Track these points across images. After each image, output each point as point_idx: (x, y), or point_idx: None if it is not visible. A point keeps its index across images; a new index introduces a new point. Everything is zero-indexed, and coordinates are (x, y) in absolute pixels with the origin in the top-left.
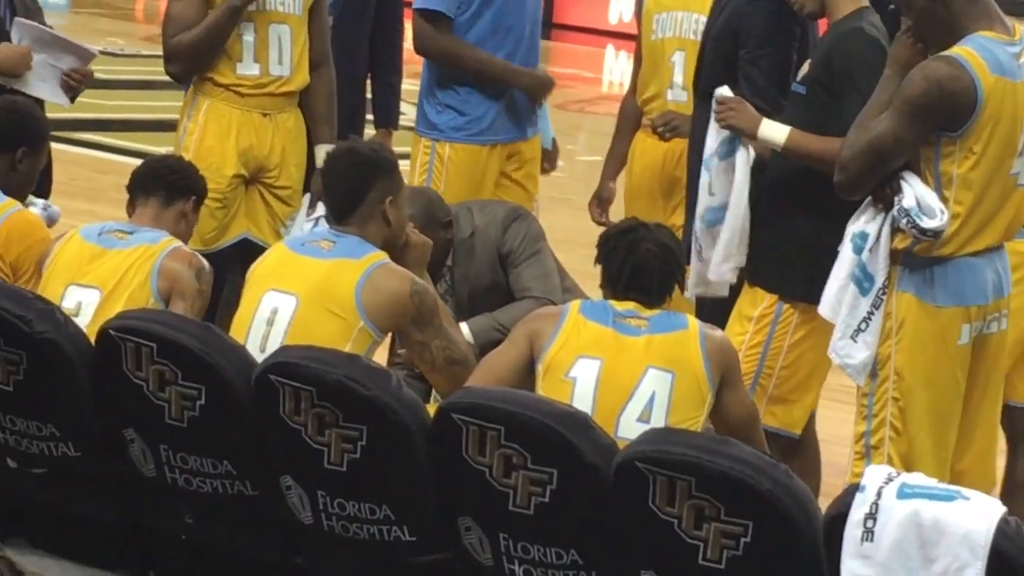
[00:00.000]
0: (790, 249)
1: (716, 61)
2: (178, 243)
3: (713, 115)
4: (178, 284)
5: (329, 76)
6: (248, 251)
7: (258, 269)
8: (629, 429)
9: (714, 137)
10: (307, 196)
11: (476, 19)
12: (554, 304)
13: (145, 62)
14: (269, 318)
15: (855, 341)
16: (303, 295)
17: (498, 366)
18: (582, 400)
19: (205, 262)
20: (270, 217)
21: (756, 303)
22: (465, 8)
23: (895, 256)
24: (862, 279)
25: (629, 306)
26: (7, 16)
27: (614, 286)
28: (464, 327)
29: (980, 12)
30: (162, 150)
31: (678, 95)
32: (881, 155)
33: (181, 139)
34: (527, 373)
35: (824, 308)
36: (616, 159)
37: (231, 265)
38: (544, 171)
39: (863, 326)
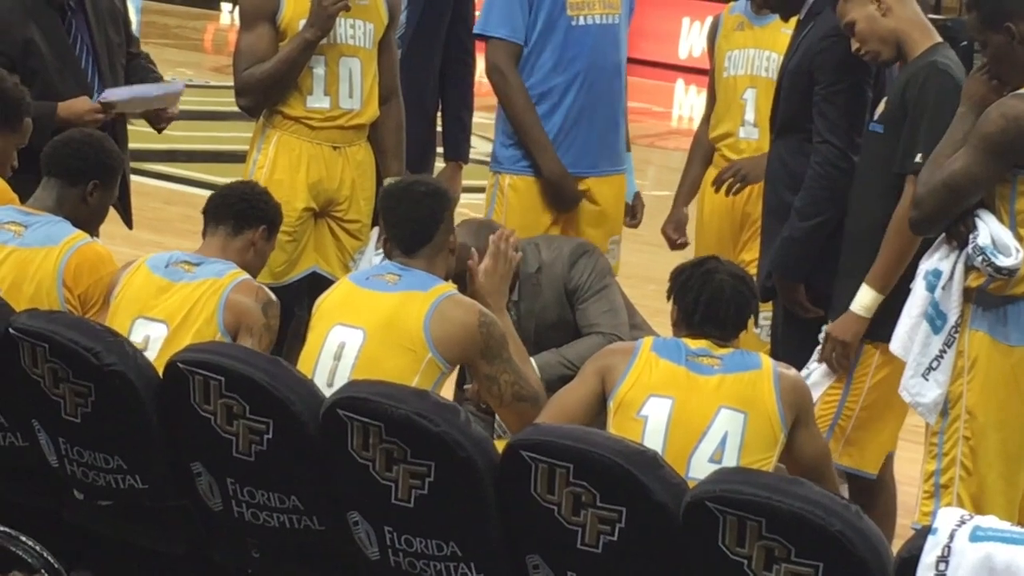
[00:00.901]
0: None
1: (792, 98)
2: (244, 276)
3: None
4: (245, 319)
5: (398, 109)
6: (316, 285)
7: (325, 303)
8: (700, 469)
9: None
10: (375, 230)
11: (536, 49)
12: (621, 340)
13: (213, 93)
14: (336, 352)
15: (926, 379)
16: (370, 329)
17: (568, 403)
18: (653, 439)
19: (272, 295)
20: (339, 251)
21: None
22: (527, 37)
23: (968, 294)
24: (935, 317)
25: (702, 344)
26: (89, 60)
27: (689, 319)
28: (531, 363)
29: None
30: (227, 181)
31: (750, 132)
32: (956, 192)
33: (251, 171)
34: (598, 410)
35: (896, 345)
36: (689, 185)
37: (300, 299)
38: (628, 224)
39: (935, 364)
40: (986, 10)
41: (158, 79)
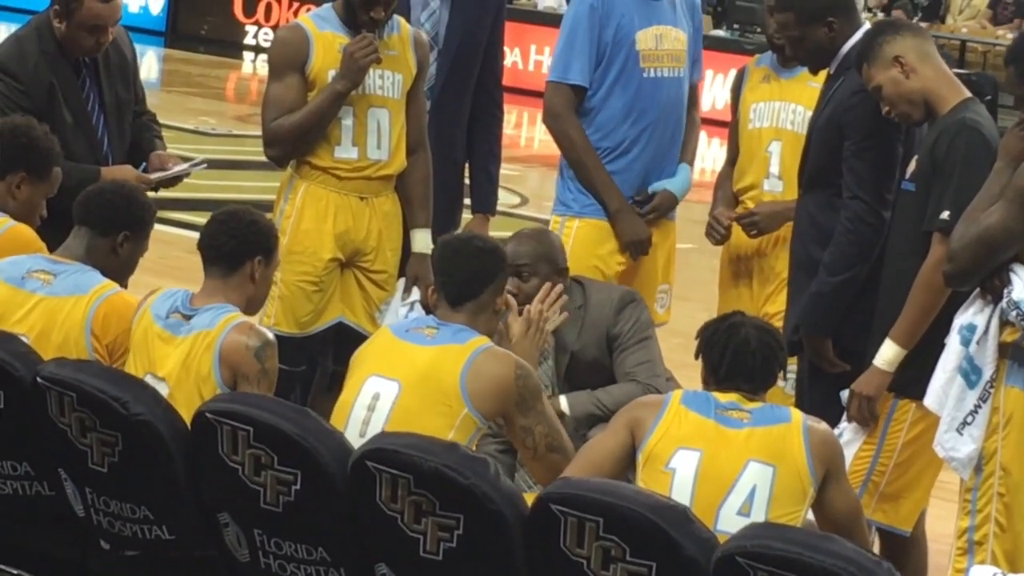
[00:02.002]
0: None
1: (821, 152)
2: (236, 320)
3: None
4: (240, 369)
5: (426, 160)
6: (343, 335)
7: (362, 353)
8: (729, 522)
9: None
10: (402, 280)
11: (607, 99)
12: (657, 391)
13: (236, 141)
14: (370, 404)
15: (961, 434)
16: (406, 381)
17: (597, 455)
18: (681, 492)
19: (269, 335)
20: (365, 302)
21: None
22: (596, 87)
23: (1003, 350)
24: (969, 372)
25: (732, 398)
26: (99, 115)
27: (716, 373)
28: (562, 399)
29: None
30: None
31: (774, 185)
32: (991, 246)
33: (278, 221)
34: (627, 463)
35: (930, 400)
36: (723, 197)
37: (325, 349)
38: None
39: (969, 419)
40: (1023, 66)
41: (160, 138)
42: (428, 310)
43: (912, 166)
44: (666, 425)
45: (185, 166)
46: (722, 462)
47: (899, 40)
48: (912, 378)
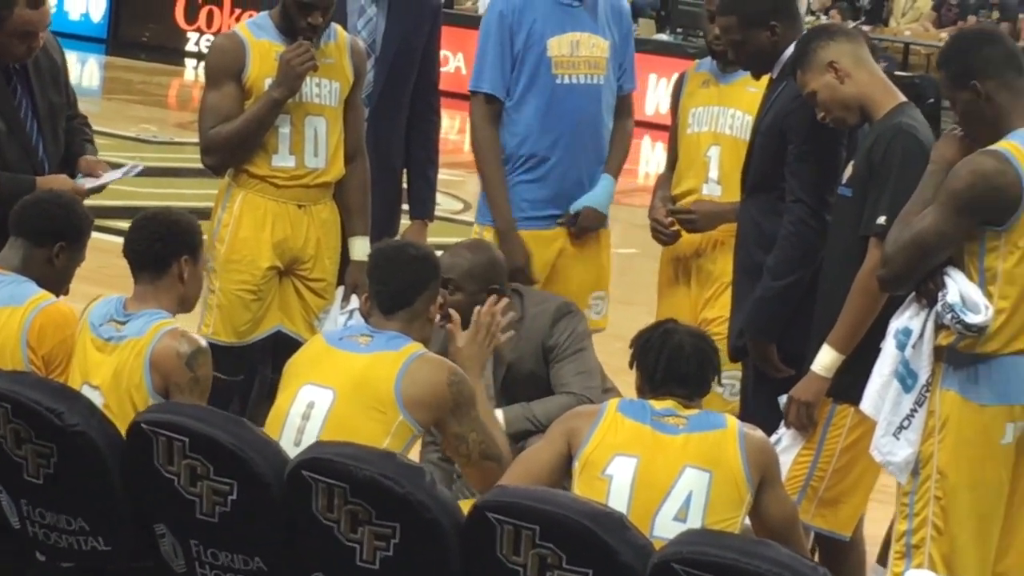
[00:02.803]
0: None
1: (764, 157)
2: (166, 328)
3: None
4: (171, 377)
5: (364, 168)
6: (281, 344)
7: (295, 362)
8: (665, 528)
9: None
10: (340, 289)
11: (521, 107)
12: (591, 402)
13: (178, 149)
14: (305, 412)
15: (897, 438)
16: (340, 389)
17: (534, 464)
18: (618, 498)
19: (201, 342)
20: (303, 310)
21: None
22: (512, 95)
23: (939, 353)
24: (905, 376)
25: (667, 404)
26: (32, 121)
27: (651, 380)
28: (498, 414)
29: None
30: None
31: (713, 189)
32: (924, 250)
33: (216, 230)
34: (564, 471)
35: (866, 405)
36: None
37: (264, 358)
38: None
39: (906, 423)
40: (953, 69)
41: (91, 142)
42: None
43: (848, 171)
44: (602, 433)
45: (117, 173)
46: (658, 468)
47: (833, 45)
48: (850, 383)
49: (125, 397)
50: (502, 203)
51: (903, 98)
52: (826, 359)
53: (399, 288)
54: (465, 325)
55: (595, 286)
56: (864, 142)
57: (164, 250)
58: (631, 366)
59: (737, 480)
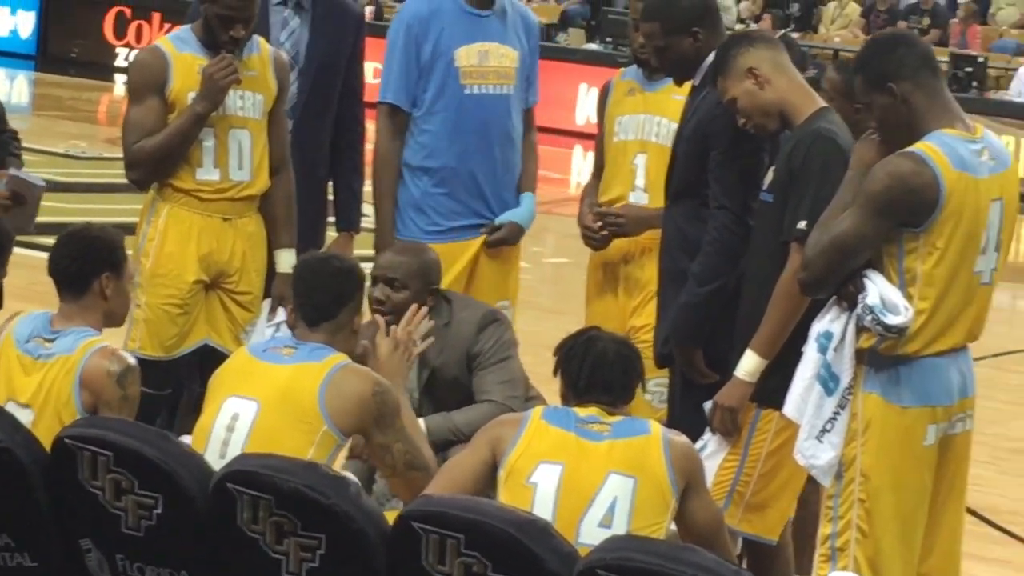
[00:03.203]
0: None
1: (688, 163)
2: (96, 346)
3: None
4: (101, 395)
5: (288, 180)
6: (209, 358)
7: (219, 375)
8: (591, 535)
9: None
10: (267, 302)
11: (430, 118)
12: (513, 411)
13: (107, 164)
14: (229, 424)
15: (820, 442)
16: (265, 401)
17: (458, 473)
18: (543, 505)
19: (131, 360)
20: (230, 323)
21: None
22: (420, 106)
23: (860, 356)
24: (827, 379)
25: (592, 411)
26: None
27: (575, 386)
28: (420, 422)
29: (941, 110)
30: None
31: (640, 197)
32: (843, 252)
33: (141, 244)
34: (489, 480)
35: (789, 409)
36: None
37: (191, 372)
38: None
39: (828, 426)
40: (869, 72)
41: (17, 157)
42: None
43: (769, 176)
44: (527, 440)
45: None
46: (583, 475)
47: (752, 52)
48: (774, 388)
49: (54, 415)
50: (388, 219)
51: (823, 103)
52: (749, 364)
53: (323, 300)
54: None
55: (502, 295)
56: (784, 148)
57: (84, 268)
58: (555, 374)
59: (662, 485)
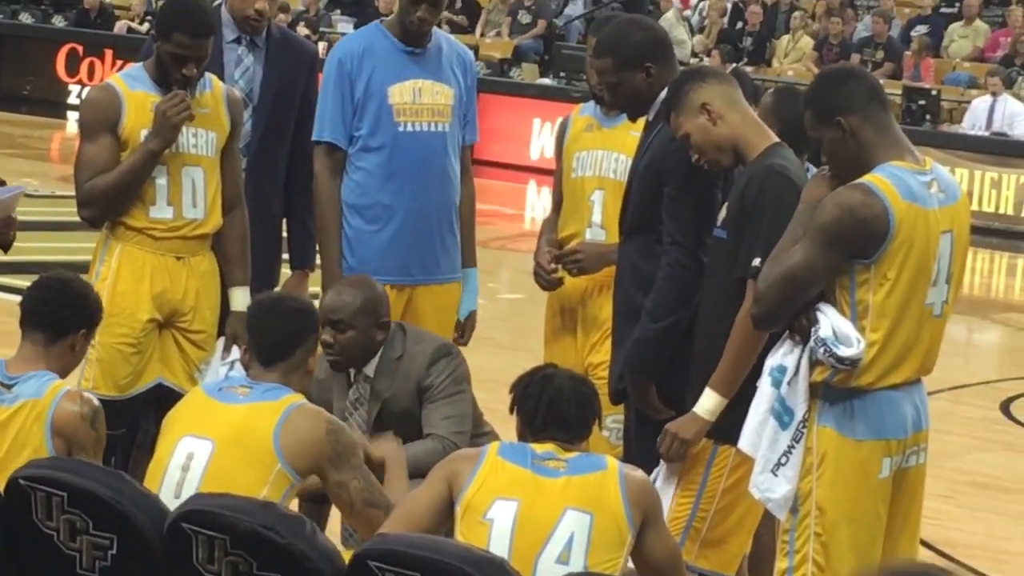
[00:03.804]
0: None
1: (642, 198)
2: (64, 388)
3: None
4: (76, 438)
5: (242, 218)
6: (162, 396)
7: (174, 415)
8: (548, 571)
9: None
10: (221, 340)
11: (364, 156)
12: (457, 448)
13: (60, 203)
14: (184, 464)
15: (776, 475)
16: (219, 440)
17: (415, 509)
18: (499, 542)
19: (95, 401)
20: (184, 361)
21: None
22: (354, 144)
23: (814, 389)
24: (782, 413)
25: (548, 448)
26: None
27: (531, 423)
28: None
29: (890, 144)
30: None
31: (597, 234)
32: (795, 285)
33: (93, 283)
34: (446, 515)
35: (744, 443)
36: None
37: (145, 411)
38: (457, 341)
39: (783, 460)
40: (818, 107)
41: None
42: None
43: (723, 213)
44: (483, 476)
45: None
46: (539, 511)
47: (705, 87)
48: (731, 425)
49: (22, 460)
50: (334, 258)
51: (775, 139)
52: (709, 403)
53: (277, 340)
54: (356, 358)
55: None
56: (737, 183)
57: (68, 320)
58: (511, 411)
59: (618, 521)
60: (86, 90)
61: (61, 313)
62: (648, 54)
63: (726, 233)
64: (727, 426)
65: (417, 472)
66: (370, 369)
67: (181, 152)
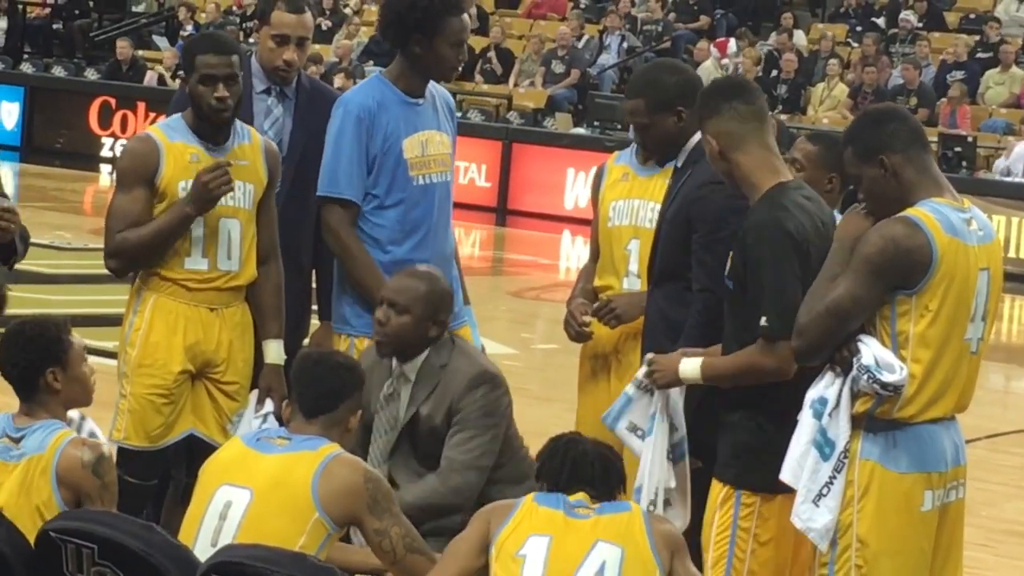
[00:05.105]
0: (746, 442)
1: (670, 246)
2: (68, 436)
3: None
4: (80, 488)
5: (277, 270)
6: (195, 447)
7: (211, 464)
8: None
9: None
10: (255, 393)
11: (382, 212)
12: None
13: (93, 255)
14: (222, 512)
15: (817, 505)
16: (258, 489)
17: (461, 550)
18: (532, 573)
19: (104, 448)
20: (216, 413)
21: (715, 494)
22: (370, 200)
23: (857, 421)
24: (823, 444)
25: (579, 497)
26: None
27: (557, 481)
28: None
29: (930, 184)
30: (109, 346)
31: (633, 283)
32: (839, 317)
33: (127, 334)
34: (486, 554)
35: (786, 474)
36: (581, 291)
37: (178, 462)
38: None
39: (825, 491)
40: (861, 145)
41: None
42: (282, 422)
43: (729, 262)
44: (518, 520)
45: None
46: (571, 544)
47: (714, 121)
48: (745, 470)
49: (35, 515)
50: (378, 280)
51: (783, 177)
52: (688, 369)
53: (322, 392)
54: (403, 349)
55: None
56: (738, 234)
57: (27, 370)
58: (536, 479)
59: (645, 558)
60: (119, 143)
61: (15, 370)
62: (680, 98)
63: (732, 284)
64: (750, 473)
65: (430, 513)
66: (410, 369)
67: (219, 204)
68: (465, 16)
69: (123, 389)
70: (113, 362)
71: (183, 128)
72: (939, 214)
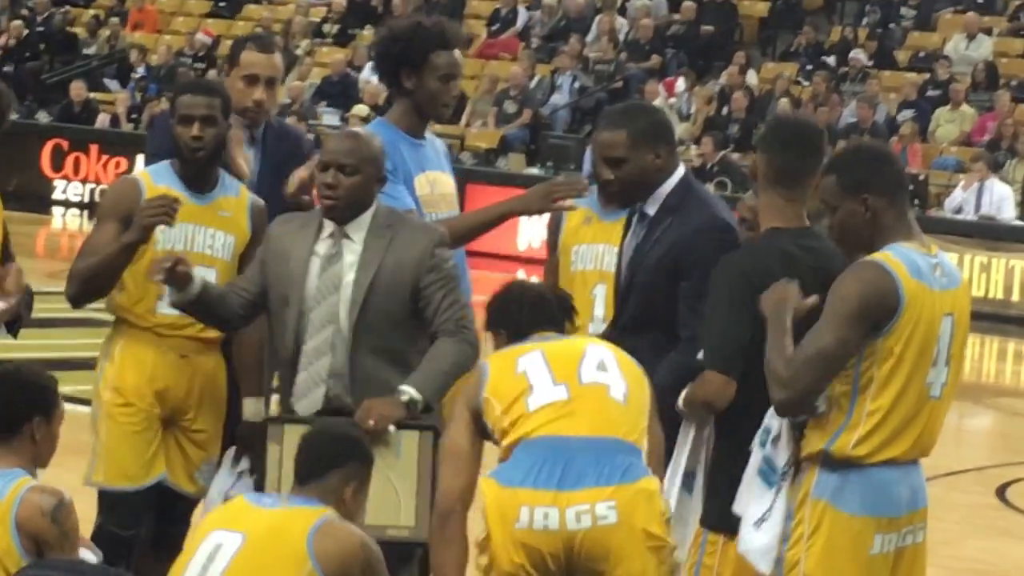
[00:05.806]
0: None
1: (653, 295)
2: (27, 485)
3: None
4: (40, 536)
5: (258, 326)
6: (163, 495)
7: (209, 516)
8: (590, 377)
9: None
10: (231, 451)
11: None
12: (475, 342)
13: (47, 299)
14: (211, 553)
15: (758, 528)
16: (250, 534)
17: (460, 451)
18: (538, 373)
19: (63, 495)
20: (184, 462)
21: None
22: None
23: (812, 458)
24: (768, 472)
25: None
26: None
27: (519, 325)
28: (408, 389)
29: (903, 229)
30: (67, 389)
31: (598, 328)
32: (828, 362)
33: (98, 379)
34: (481, 433)
35: (737, 505)
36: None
37: (147, 508)
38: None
39: (767, 515)
40: (848, 178)
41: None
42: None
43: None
44: (496, 369)
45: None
46: (567, 345)
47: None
48: (716, 512)
49: None
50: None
51: (774, 224)
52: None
53: (313, 459)
54: (353, 206)
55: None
56: None
57: (16, 413)
58: (487, 328)
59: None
60: (71, 185)
61: (3, 410)
62: (661, 136)
63: None
64: (714, 513)
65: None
66: (355, 229)
67: (194, 251)
68: (455, 52)
69: (98, 433)
70: (71, 406)
71: (169, 174)
72: (906, 258)
